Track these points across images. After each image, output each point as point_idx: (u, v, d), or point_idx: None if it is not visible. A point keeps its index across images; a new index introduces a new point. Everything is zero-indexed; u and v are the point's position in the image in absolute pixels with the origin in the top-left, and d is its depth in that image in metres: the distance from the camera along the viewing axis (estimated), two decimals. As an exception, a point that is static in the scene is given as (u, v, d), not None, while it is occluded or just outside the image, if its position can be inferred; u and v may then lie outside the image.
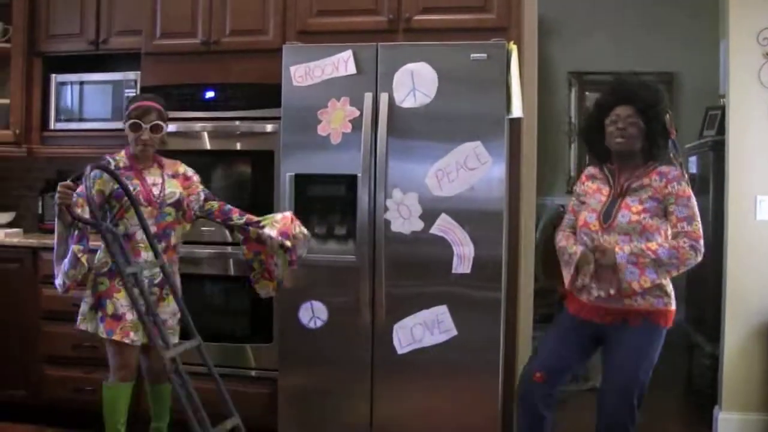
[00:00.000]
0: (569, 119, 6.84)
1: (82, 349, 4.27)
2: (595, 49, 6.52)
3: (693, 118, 5.32)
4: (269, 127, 4.08)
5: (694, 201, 3.16)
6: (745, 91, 4.18)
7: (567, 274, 3.34)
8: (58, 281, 3.43)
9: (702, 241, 3.11)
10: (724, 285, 4.25)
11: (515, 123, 3.91)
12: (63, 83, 4.73)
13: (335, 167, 3.83)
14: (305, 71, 3.85)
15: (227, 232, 3.94)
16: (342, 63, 3.80)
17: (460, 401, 3.74)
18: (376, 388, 3.83)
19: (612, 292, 3.12)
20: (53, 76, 4.75)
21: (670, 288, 3.20)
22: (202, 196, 3.67)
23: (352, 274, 3.80)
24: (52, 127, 4.78)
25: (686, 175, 3.23)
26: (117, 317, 3.44)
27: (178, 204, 3.57)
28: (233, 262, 4.15)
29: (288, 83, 3.87)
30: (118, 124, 4.41)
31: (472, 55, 3.67)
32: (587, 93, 6.72)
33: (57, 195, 3.27)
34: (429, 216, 3.72)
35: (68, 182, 3.23)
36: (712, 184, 4.65)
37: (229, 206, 3.70)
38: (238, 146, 4.19)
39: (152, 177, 3.57)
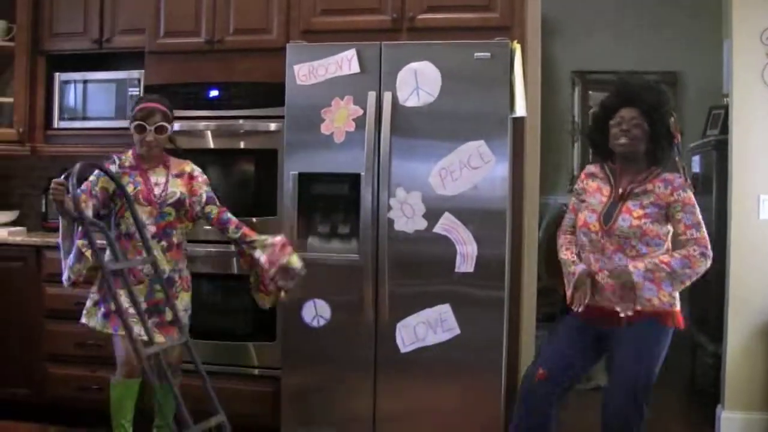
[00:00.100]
0: (572, 118, 6.84)
1: (85, 348, 4.27)
2: (599, 49, 6.51)
3: (696, 118, 5.32)
4: (273, 126, 4.08)
5: (698, 207, 3.16)
6: (749, 91, 4.18)
7: (568, 289, 3.34)
8: (65, 276, 3.51)
9: (710, 247, 3.12)
10: (727, 284, 4.25)
11: (518, 122, 3.91)
12: (67, 82, 4.74)
13: (339, 166, 3.84)
14: (309, 70, 3.85)
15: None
16: (345, 62, 3.80)
17: (462, 400, 3.75)
18: (379, 386, 3.84)
19: (633, 311, 3.12)
20: (57, 74, 4.76)
21: None
22: (204, 198, 3.65)
23: (355, 272, 3.80)
24: (55, 125, 4.79)
25: (688, 180, 3.22)
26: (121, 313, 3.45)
27: (178, 204, 3.58)
28: (236, 260, 4.14)
29: (292, 82, 3.88)
30: (122, 123, 4.44)
31: (475, 55, 3.67)
32: (590, 92, 6.72)
33: (50, 191, 3.29)
34: (432, 215, 3.72)
35: (60, 179, 3.24)
36: (715, 184, 4.65)
37: (227, 216, 3.66)
38: (242, 145, 4.20)
39: (156, 177, 3.59)
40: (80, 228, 3.40)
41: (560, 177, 6.73)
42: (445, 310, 3.73)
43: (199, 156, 4.04)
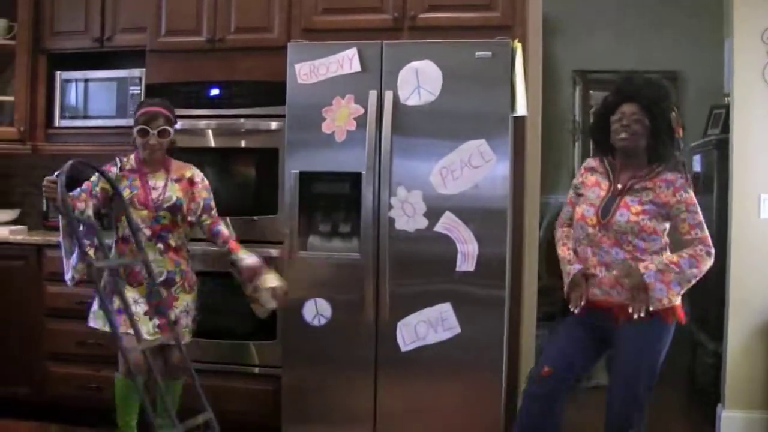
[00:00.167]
0: (573, 117, 6.83)
1: (86, 347, 4.27)
2: (600, 48, 6.50)
3: (697, 117, 5.31)
4: (274, 125, 4.08)
5: (698, 206, 3.18)
6: (750, 90, 4.18)
7: (566, 286, 3.35)
8: (68, 276, 3.52)
9: (712, 245, 3.14)
10: (728, 283, 4.25)
11: (519, 121, 3.91)
12: (68, 80, 4.74)
13: (340, 165, 3.84)
14: (310, 69, 3.85)
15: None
16: (347, 61, 3.80)
17: (463, 399, 3.75)
18: (379, 385, 3.84)
19: (644, 312, 3.12)
20: (58, 73, 4.76)
21: None
22: (201, 206, 3.65)
23: (356, 271, 3.80)
24: (56, 124, 4.79)
25: (688, 176, 3.23)
26: (122, 312, 3.46)
27: (174, 208, 3.59)
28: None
29: (293, 81, 3.88)
30: (123, 122, 4.45)
31: (476, 54, 3.67)
32: (591, 91, 6.71)
33: (43, 189, 3.32)
34: (433, 214, 3.72)
35: (52, 177, 3.24)
36: (716, 183, 4.65)
37: (218, 228, 3.67)
38: (243, 144, 4.20)
39: (155, 181, 3.61)
40: (82, 227, 3.42)
41: (561, 176, 6.72)
42: (445, 309, 3.73)
43: (200, 155, 4.05)
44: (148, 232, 3.56)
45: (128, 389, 3.58)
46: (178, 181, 3.64)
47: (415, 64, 3.73)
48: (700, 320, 5.14)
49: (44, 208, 5.02)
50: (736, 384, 4.24)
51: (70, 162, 3.04)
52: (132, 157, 3.68)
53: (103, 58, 4.74)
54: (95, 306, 3.58)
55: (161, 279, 3.55)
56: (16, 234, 4.64)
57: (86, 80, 4.71)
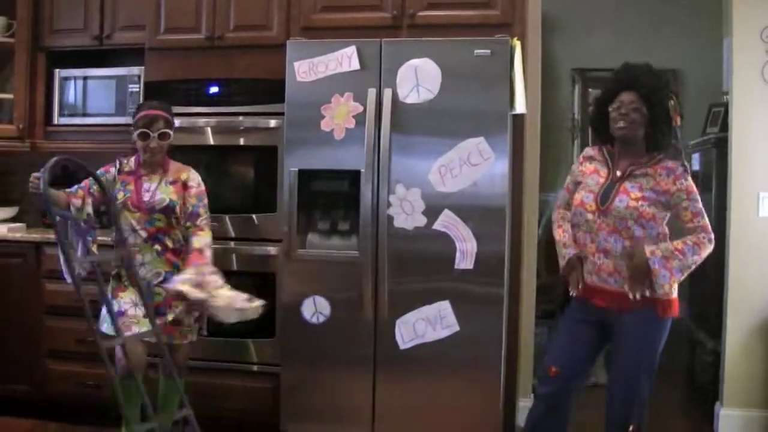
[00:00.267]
0: (572, 116, 6.84)
1: (85, 344, 4.27)
2: (599, 46, 6.51)
3: (696, 115, 5.31)
4: (273, 123, 4.08)
5: (698, 194, 3.19)
6: (749, 89, 4.18)
7: (561, 266, 3.38)
8: (66, 274, 3.50)
9: (712, 232, 3.16)
10: (726, 282, 4.25)
11: (518, 119, 3.91)
12: (67, 78, 4.73)
13: (339, 163, 3.84)
14: (309, 67, 3.85)
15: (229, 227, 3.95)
16: (346, 59, 3.80)
17: (462, 396, 3.75)
18: (378, 383, 3.84)
19: (642, 294, 3.13)
20: (57, 71, 4.76)
21: None
22: (189, 211, 3.63)
23: (355, 269, 3.80)
24: (55, 122, 4.79)
25: (687, 164, 3.23)
26: (120, 313, 3.51)
27: (168, 210, 3.59)
28: (236, 256, 4.15)
29: (292, 79, 3.88)
30: (122, 120, 4.45)
31: (475, 51, 3.67)
32: (590, 90, 6.72)
33: (29, 186, 3.34)
34: (432, 212, 3.73)
35: (38, 173, 3.25)
36: (715, 181, 4.65)
37: (192, 238, 3.58)
38: (242, 141, 4.20)
39: (149, 183, 3.62)
40: (83, 225, 3.47)
41: (560, 174, 6.70)
42: (444, 307, 3.73)
43: (199, 152, 4.06)
44: (144, 234, 3.58)
45: (125, 387, 3.58)
46: (173, 183, 3.64)
47: (414, 62, 3.73)
48: (699, 318, 5.15)
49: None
50: (735, 382, 4.24)
51: (54, 159, 3.04)
52: (132, 159, 3.70)
53: (102, 55, 4.74)
54: (104, 311, 3.59)
55: (159, 280, 3.57)
56: (15, 231, 4.64)
57: (85, 78, 4.71)
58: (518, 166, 3.98)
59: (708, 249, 3.14)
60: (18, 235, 4.57)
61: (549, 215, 5.65)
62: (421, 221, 3.74)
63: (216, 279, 3.47)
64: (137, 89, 4.50)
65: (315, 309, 3.88)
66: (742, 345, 4.23)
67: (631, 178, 3.20)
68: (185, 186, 3.65)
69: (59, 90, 4.75)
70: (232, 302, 3.39)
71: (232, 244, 4.16)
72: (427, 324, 3.75)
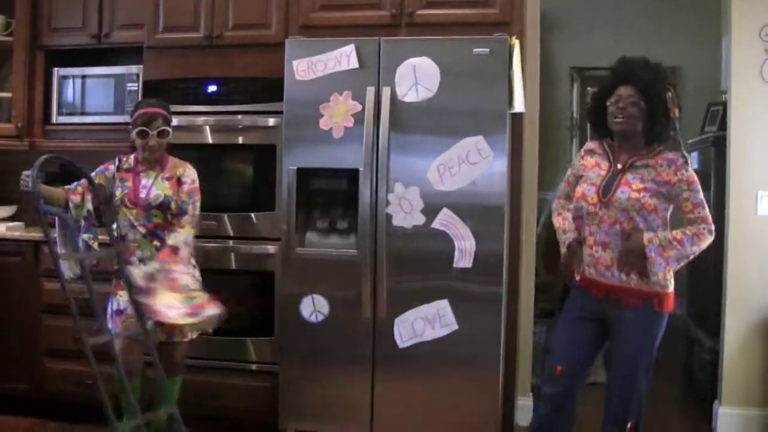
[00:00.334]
0: (571, 114, 6.83)
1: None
2: (597, 45, 6.49)
3: (695, 114, 5.31)
4: (271, 121, 4.08)
5: (699, 185, 3.20)
6: (747, 87, 4.18)
7: (562, 253, 3.39)
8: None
9: (712, 223, 3.17)
10: (725, 280, 4.25)
11: (517, 118, 3.91)
12: (65, 77, 4.73)
13: (337, 161, 3.84)
14: (308, 65, 3.85)
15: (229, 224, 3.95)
16: (344, 57, 3.80)
17: (460, 395, 3.75)
18: (376, 381, 3.84)
19: (629, 276, 3.14)
20: (55, 69, 4.76)
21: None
22: (180, 206, 3.62)
23: (353, 268, 3.80)
24: (54, 120, 4.79)
25: (687, 155, 3.23)
26: (119, 312, 3.53)
27: (163, 206, 3.59)
28: (234, 255, 4.15)
29: (290, 77, 3.87)
30: (120, 118, 4.44)
31: (474, 50, 3.67)
32: (589, 88, 6.71)
33: (21, 183, 3.38)
34: (430, 210, 3.73)
35: (28, 172, 3.26)
36: (713, 180, 4.65)
37: (171, 234, 3.55)
38: (241, 140, 4.19)
39: (146, 179, 3.62)
40: (83, 222, 3.52)
41: (558, 173, 6.69)
42: (443, 306, 3.73)
43: (198, 151, 4.05)
44: (142, 230, 3.58)
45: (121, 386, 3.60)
46: (169, 179, 3.64)
47: (412, 60, 3.73)
48: (697, 317, 5.15)
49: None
50: (733, 381, 4.24)
51: (44, 157, 3.05)
52: (132, 156, 3.71)
53: (100, 54, 4.73)
54: (110, 309, 3.60)
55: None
56: (14, 230, 4.64)
57: (84, 77, 4.71)
58: (517, 165, 3.98)
59: (708, 240, 3.14)
60: (16, 234, 4.57)
61: (548, 213, 5.66)
62: (420, 220, 3.74)
63: (186, 280, 3.42)
64: (136, 88, 4.50)
65: (314, 308, 3.88)
66: (740, 343, 4.23)
67: (632, 169, 3.20)
68: (179, 182, 3.65)
69: (58, 89, 4.75)
70: (167, 311, 3.24)
71: (230, 242, 4.16)
72: (426, 323, 3.75)
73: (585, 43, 6.59)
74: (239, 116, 4.16)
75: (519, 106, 3.72)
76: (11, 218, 4.98)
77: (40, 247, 4.44)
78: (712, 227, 3.15)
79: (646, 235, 3.11)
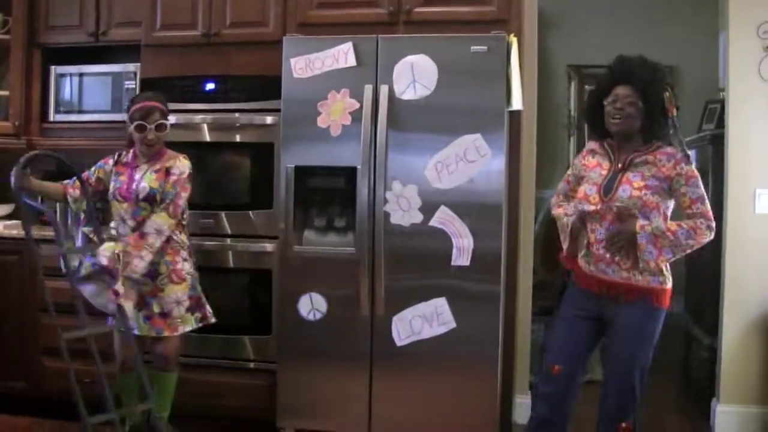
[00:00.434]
0: (568, 112, 6.83)
1: (82, 341, 4.25)
2: (595, 42, 6.49)
3: (692, 112, 5.31)
4: (269, 119, 4.08)
5: (700, 180, 3.19)
6: (745, 85, 4.17)
7: (564, 240, 3.38)
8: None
9: (713, 218, 3.16)
10: (723, 278, 4.25)
11: (515, 115, 3.91)
12: (62, 75, 4.72)
13: (335, 159, 3.83)
14: (305, 63, 3.85)
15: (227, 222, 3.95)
16: (342, 55, 3.80)
17: (458, 393, 3.75)
18: (374, 380, 3.84)
19: (616, 259, 3.14)
20: (53, 67, 4.75)
21: (666, 266, 3.21)
22: (165, 197, 3.61)
23: (351, 266, 3.80)
24: (51, 119, 4.78)
25: (687, 153, 3.23)
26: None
27: (150, 198, 3.59)
28: (232, 253, 4.15)
29: (288, 75, 3.87)
30: (118, 116, 4.44)
31: (472, 48, 3.67)
32: (586, 86, 6.70)
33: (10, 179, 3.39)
34: (428, 208, 3.72)
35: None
36: (711, 178, 4.65)
37: (149, 221, 3.55)
38: (238, 138, 4.19)
39: (140, 172, 3.63)
40: (82, 216, 3.58)
41: (556, 171, 6.71)
42: (441, 304, 3.73)
43: (195, 149, 4.04)
44: (132, 223, 3.59)
45: (122, 383, 3.61)
46: (157, 171, 3.63)
47: (410, 58, 3.73)
48: (695, 315, 5.15)
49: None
50: (731, 379, 4.24)
51: (32, 152, 3.03)
52: (132, 151, 3.72)
53: (97, 52, 4.72)
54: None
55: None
56: (11, 229, 4.63)
57: (81, 75, 4.70)
58: (515, 163, 3.98)
59: (706, 235, 3.13)
60: (14, 232, 4.56)
61: (546, 211, 5.66)
62: (418, 218, 3.74)
63: (136, 263, 3.44)
64: (133, 86, 4.49)
65: (311, 306, 3.88)
66: (738, 341, 4.23)
67: (633, 167, 3.20)
68: (168, 173, 3.63)
69: (55, 87, 4.74)
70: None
71: (228, 240, 4.15)
72: (424, 321, 3.75)
73: (582, 40, 6.59)
74: (237, 114, 4.16)
75: (517, 103, 3.72)
76: (9, 216, 4.97)
77: (38, 246, 4.42)
78: (712, 223, 3.14)
79: (639, 222, 3.12)
